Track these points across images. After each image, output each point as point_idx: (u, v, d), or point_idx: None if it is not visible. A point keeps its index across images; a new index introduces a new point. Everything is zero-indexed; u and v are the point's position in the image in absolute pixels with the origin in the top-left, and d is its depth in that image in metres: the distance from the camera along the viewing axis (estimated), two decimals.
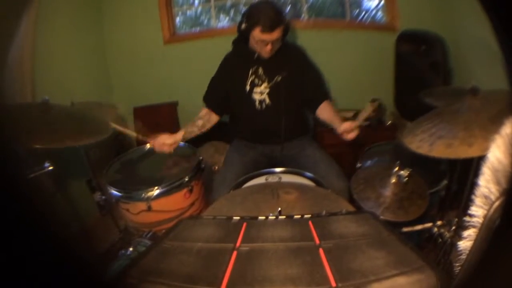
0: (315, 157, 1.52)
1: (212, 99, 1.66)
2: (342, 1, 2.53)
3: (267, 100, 1.56)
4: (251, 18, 1.43)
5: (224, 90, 1.62)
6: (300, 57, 1.64)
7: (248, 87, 1.56)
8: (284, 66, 1.55)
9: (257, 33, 1.41)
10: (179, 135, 1.53)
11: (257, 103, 1.57)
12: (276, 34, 1.41)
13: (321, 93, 1.63)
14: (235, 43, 1.64)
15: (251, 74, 1.57)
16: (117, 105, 2.18)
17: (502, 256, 0.33)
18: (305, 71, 1.62)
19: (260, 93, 1.56)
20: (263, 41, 1.43)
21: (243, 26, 1.46)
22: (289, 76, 1.55)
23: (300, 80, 1.59)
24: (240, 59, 1.59)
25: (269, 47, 1.44)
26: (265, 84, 1.56)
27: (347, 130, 1.32)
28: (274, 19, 1.39)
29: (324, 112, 1.57)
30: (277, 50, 1.50)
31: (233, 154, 1.65)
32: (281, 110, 1.55)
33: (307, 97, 1.62)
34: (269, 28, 1.39)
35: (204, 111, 1.64)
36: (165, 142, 1.49)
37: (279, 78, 1.55)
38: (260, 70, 1.56)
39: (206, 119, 1.62)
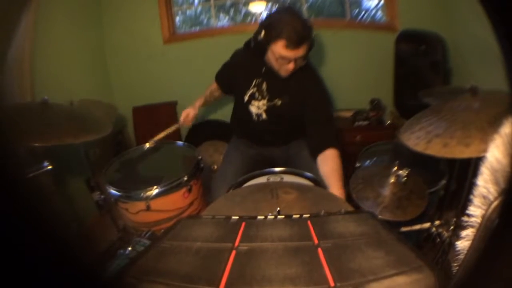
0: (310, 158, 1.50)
1: (221, 81, 1.66)
2: (342, 1, 2.53)
3: (264, 116, 1.49)
4: (272, 29, 1.24)
5: (228, 83, 1.60)
6: (311, 83, 1.42)
7: (247, 98, 1.48)
8: (289, 88, 1.40)
9: (279, 48, 1.23)
10: (198, 103, 1.67)
11: (253, 115, 1.50)
12: (301, 51, 1.24)
13: (325, 139, 1.33)
14: (247, 45, 1.46)
15: (254, 86, 1.46)
16: (116, 104, 2.19)
17: (500, 256, 0.33)
18: (312, 103, 1.40)
19: (258, 108, 1.49)
20: (284, 58, 1.25)
21: (261, 36, 1.27)
22: (290, 102, 1.43)
23: (302, 109, 1.41)
24: (247, 64, 1.47)
25: (291, 65, 1.27)
26: (263, 101, 1.46)
27: None
28: (301, 32, 1.21)
29: (323, 164, 1.29)
30: None
31: (232, 151, 1.65)
32: (277, 128, 1.51)
33: (308, 135, 1.42)
34: (295, 44, 1.21)
35: (215, 85, 1.68)
36: (189, 114, 1.62)
37: (279, 102, 1.44)
38: (264, 86, 1.45)
39: (218, 93, 1.70)
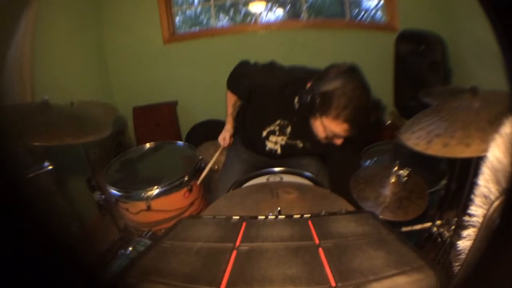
0: (307, 158, 1.48)
1: (242, 94, 1.43)
2: (342, 1, 2.53)
3: (279, 150, 1.39)
4: (331, 102, 1.03)
5: (248, 96, 1.38)
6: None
7: (265, 133, 1.37)
8: (314, 136, 1.20)
9: (334, 127, 1.06)
10: (230, 123, 1.58)
11: (267, 148, 1.40)
12: (357, 131, 1.07)
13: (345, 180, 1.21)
14: (281, 85, 1.23)
15: (277, 125, 1.33)
16: (116, 104, 2.19)
17: (501, 255, 0.33)
18: (336, 160, 1.30)
19: (275, 143, 1.38)
20: (338, 136, 1.10)
21: (313, 103, 1.06)
22: (312, 147, 1.34)
23: (322, 152, 1.34)
24: (275, 99, 1.25)
25: (339, 141, 1.13)
26: (282, 137, 1.36)
27: None
28: (367, 116, 1.04)
29: None
30: None
31: (233, 154, 1.63)
32: (289, 157, 1.44)
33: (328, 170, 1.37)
34: (358, 128, 1.05)
35: (234, 97, 1.52)
36: (225, 138, 1.56)
37: (300, 145, 1.36)
38: (288, 129, 1.33)
39: (239, 102, 1.53)
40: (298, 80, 1.20)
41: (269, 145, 1.40)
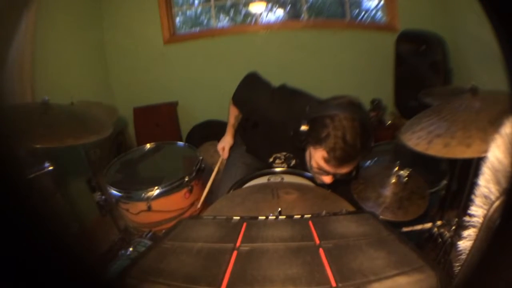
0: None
1: (246, 113, 1.43)
2: (342, 1, 2.53)
3: (285, 167, 1.36)
4: (315, 129, 0.99)
5: (254, 117, 1.37)
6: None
7: (271, 159, 1.36)
8: None
9: (317, 157, 1.01)
10: (230, 135, 1.55)
11: (273, 166, 1.36)
12: (345, 169, 1.01)
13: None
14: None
15: (283, 155, 1.32)
16: (117, 105, 2.19)
17: (502, 256, 0.33)
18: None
19: (281, 164, 1.36)
20: (322, 169, 1.03)
21: (302, 128, 1.02)
22: None
23: None
24: (284, 131, 1.18)
25: (328, 179, 1.06)
26: (287, 165, 1.35)
27: None
28: (351, 150, 0.95)
29: None
30: None
31: (237, 157, 1.62)
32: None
33: None
34: (337, 161, 0.97)
35: (237, 111, 1.48)
36: (224, 147, 1.54)
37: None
38: (293, 162, 1.31)
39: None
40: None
41: (276, 166, 1.37)
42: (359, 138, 0.95)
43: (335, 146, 0.95)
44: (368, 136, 0.99)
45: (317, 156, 1.01)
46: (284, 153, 1.32)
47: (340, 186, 1.13)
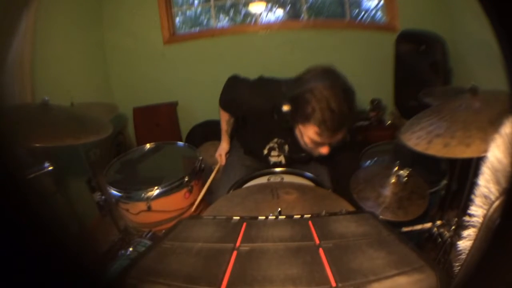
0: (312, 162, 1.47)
1: (234, 114, 1.48)
2: (342, 1, 2.53)
3: (283, 161, 1.39)
4: (300, 106, 0.98)
5: (243, 115, 1.40)
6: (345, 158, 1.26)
7: (266, 151, 1.37)
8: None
9: (310, 133, 1.01)
10: (225, 141, 1.59)
11: (271, 162, 1.39)
12: (340, 135, 1.01)
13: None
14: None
15: (275, 142, 1.33)
16: (116, 105, 2.18)
17: (502, 255, 0.33)
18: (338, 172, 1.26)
19: (277, 156, 1.38)
20: (317, 143, 1.04)
21: (286, 110, 1.02)
22: (312, 156, 1.28)
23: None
24: (265, 119, 1.21)
25: (325, 149, 1.05)
26: (284, 154, 1.36)
27: None
28: (340, 116, 0.94)
29: None
30: None
31: (236, 159, 1.61)
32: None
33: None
34: (331, 131, 0.97)
35: (227, 115, 1.52)
36: (221, 154, 1.57)
37: (302, 155, 1.30)
38: (286, 147, 1.32)
39: (233, 119, 1.54)
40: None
41: (273, 159, 1.40)
42: (345, 102, 0.95)
43: (323, 118, 0.95)
44: (352, 97, 0.99)
45: (309, 132, 1.01)
46: (276, 140, 1.33)
47: (338, 154, 1.13)
